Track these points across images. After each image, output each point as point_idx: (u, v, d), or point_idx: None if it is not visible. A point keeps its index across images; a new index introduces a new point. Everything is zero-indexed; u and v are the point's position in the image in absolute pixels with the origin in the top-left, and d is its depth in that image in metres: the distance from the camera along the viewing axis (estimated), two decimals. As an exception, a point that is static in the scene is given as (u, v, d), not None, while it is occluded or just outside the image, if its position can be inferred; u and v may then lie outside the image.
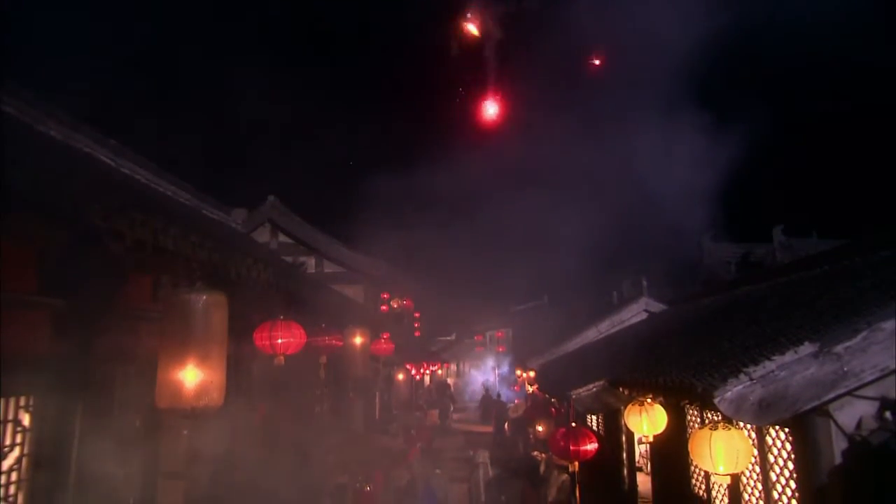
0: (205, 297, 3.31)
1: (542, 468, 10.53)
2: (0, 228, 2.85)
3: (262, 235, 15.72)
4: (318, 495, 7.70)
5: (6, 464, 3.14)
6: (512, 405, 20.67)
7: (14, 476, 3.19)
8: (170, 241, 3.71)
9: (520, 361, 17.86)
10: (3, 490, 3.11)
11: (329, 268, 16.50)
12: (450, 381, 35.56)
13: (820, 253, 7.75)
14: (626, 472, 8.13)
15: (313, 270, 15.90)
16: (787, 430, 3.89)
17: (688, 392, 3.78)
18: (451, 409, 24.82)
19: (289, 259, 11.89)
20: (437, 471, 10.01)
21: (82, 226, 3.13)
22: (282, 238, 16.37)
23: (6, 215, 2.87)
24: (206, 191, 8.38)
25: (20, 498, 3.21)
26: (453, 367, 38.42)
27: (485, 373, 35.74)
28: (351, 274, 16.51)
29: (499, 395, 23.41)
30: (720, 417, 3.66)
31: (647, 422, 5.34)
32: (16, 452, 3.21)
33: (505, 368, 31.90)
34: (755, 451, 4.14)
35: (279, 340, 5.38)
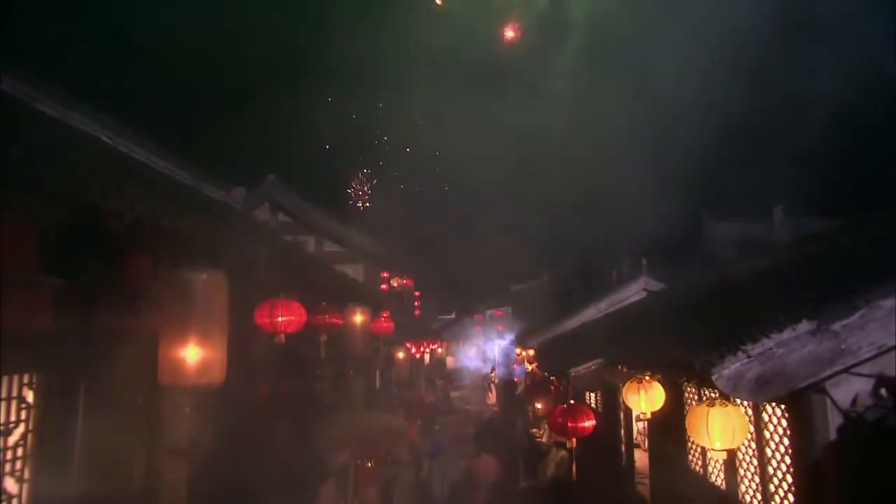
0: (205, 276, 3.33)
1: (541, 444, 10.69)
2: (-1, 207, 2.85)
3: (262, 215, 15.69)
4: (319, 472, 7.80)
5: (12, 440, 3.18)
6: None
7: (20, 451, 3.24)
8: (169, 220, 3.71)
9: (519, 340, 17.98)
10: (10, 465, 3.16)
11: (329, 247, 16.51)
12: (449, 359, 35.77)
13: (820, 232, 7.74)
14: (623, 448, 8.24)
15: (313, 249, 15.92)
16: (783, 406, 3.93)
17: (686, 369, 3.82)
18: (449, 391, 25.01)
19: (289, 238, 11.89)
20: (437, 427, 10.43)
21: (81, 204, 3.13)
22: (281, 217, 16.36)
23: (5, 194, 2.86)
24: (205, 169, 8.33)
25: (27, 472, 3.26)
26: (453, 345, 38.66)
27: (488, 351, 35.95)
28: (351, 253, 16.53)
29: (508, 374, 23.59)
30: (717, 394, 3.70)
31: (645, 399, 5.39)
32: (21, 428, 3.25)
33: (506, 349, 32.11)
34: (751, 428, 4.20)
35: (280, 319, 5.41)
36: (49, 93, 4.28)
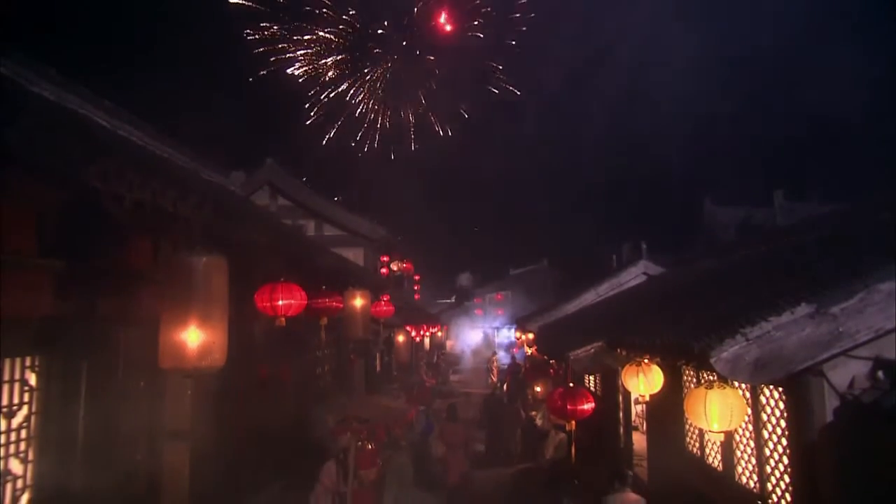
0: (205, 260, 3.32)
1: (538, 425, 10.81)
2: (-2, 190, 2.84)
3: (261, 198, 15.66)
4: (319, 454, 7.87)
5: (15, 421, 3.21)
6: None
7: (24, 433, 3.26)
8: (169, 203, 3.69)
9: (519, 324, 18.04)
10: (14, 446, 3.19)
11: (329, 231, 16.51)
12: (449, 343, 35.91)
13: (820, 216, 7.75)
14: (622, 430, 8.30)
15: (313, 234, 15.91)
16: (780, 389, 3.96)
17: (685, 352, 3.82)
18: (449, 372, 25.19)
19: (288, 222, 11.87)
20: (422, 407, 10.74)
21: (80, 187, 3.12)
22: (281, 201, 16.32)
23: (4, 177, 2.85)
24: (204, 153, 8.30)
25: (31, 454, 3.29)
26: (453, 329, 38.82)
27: (487, 335, 36.03)
28: (351, 237, 16.53)
29: (513, 358, 23.78)
30: (716, 377, 3.71)
31: (643, 382, 5.42)
32: (24, 411, 3.28)
33: (505, 332, 32.22)
34: (749, 410, 4.23)
35: (280, 302, 5.41)
36: (46, 76, 4.26)
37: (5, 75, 2.78)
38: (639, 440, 7.95)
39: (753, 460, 4.40)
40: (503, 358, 24.55)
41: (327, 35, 22.04)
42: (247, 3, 20.95)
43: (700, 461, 5.41)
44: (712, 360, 3.32)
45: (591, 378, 9.96)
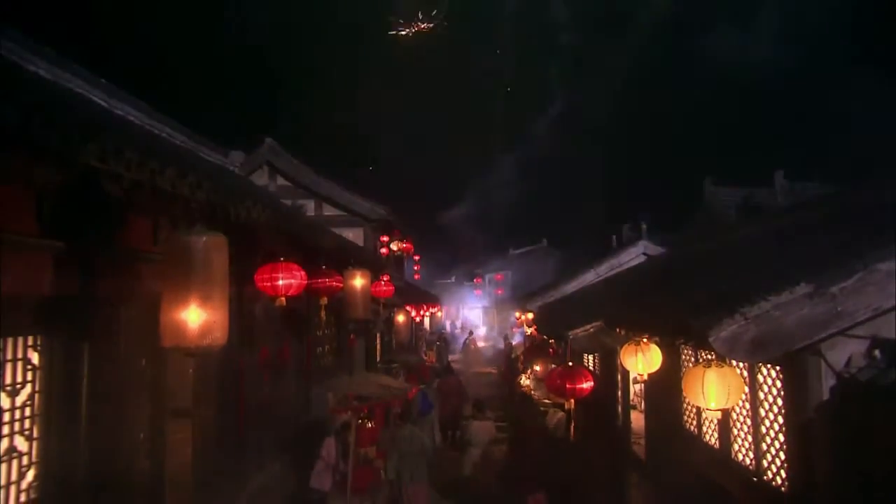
0: (204, 239, 3.32)
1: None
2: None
3: (260, 178, 15.58)
4: (320, 432, 7.95)
5: (19, 400, 3.24)
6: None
7: (28, 411, 3.30)
8: (167, 183, 3.68)
9: (518, 304, 18.11)
10: (19, 424, 3.23)
11: (328, 211, 16.45)
12: (448, 323, 36.05)
13: (821, 196, 7.73)
14: (620, 409, 8.38)
15: (312, 214, 15.86)
16: (778, 367, 3.99)
17: (683, 331, 3.85)
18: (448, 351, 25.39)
19: (288, 202, 11.83)
20: (422, 386, 10.94)
21: (78, 167, 3.10)
22: (280, 181, 16.24)
23: (2, 157, 2.84)
24: (202, 133, 8.26)
25: (35, 431, 3.33)
26: (453, 309, 38.95)
27: (484, 315, 36.17)
28: (350, 217, 16.49)
29: (505, 338, 23.96)
30: (714, 356, 3.74)
31: (642, 361, 5.46)
32: (28, 389, 3.30)
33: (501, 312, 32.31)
34: (746, 388, 4.26)
35: (280, 282, 5.43)
36: (40, 53, 4.21)
37: (2, 55, 2.75)
38: (637, 419, 8.03)
39: (750, 438, 4.45)
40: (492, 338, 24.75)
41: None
42: None
43: (697, 439, 5.47)
44: (711, 339, 3.34)
45: (591, 357, 10.04)
